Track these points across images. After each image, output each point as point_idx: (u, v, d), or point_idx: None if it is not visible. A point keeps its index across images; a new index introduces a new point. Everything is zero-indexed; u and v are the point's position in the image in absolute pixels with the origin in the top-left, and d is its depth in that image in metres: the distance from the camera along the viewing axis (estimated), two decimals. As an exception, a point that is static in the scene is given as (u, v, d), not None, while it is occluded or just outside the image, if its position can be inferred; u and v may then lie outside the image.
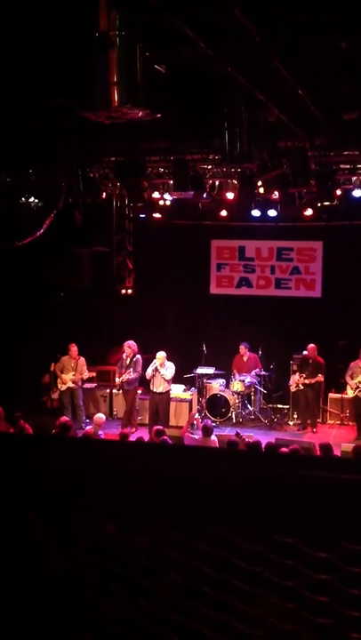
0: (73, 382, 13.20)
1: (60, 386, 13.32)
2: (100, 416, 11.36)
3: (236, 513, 1.46)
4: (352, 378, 12.95)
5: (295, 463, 1.54)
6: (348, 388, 13.08)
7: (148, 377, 12.75)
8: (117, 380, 13.23)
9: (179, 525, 1.50)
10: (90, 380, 14.08)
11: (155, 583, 1.52)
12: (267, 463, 1.58)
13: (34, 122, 9.94)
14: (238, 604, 1.44)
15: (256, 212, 14.04)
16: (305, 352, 13.58)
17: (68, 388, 13.21)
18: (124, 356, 13.14)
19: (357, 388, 12.90)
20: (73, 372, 13.23)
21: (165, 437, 9.72)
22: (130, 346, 13.06)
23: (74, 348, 13.31)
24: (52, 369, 14.01)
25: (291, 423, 14.06)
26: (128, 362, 13.04)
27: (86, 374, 13.30)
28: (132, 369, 12.97)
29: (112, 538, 1.58)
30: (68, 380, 13.19)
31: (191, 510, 1.49)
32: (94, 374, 13.60)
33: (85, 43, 5.28)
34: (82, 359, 13.33)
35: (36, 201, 12.78)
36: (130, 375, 12.94)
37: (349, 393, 13.14)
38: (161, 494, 1.50)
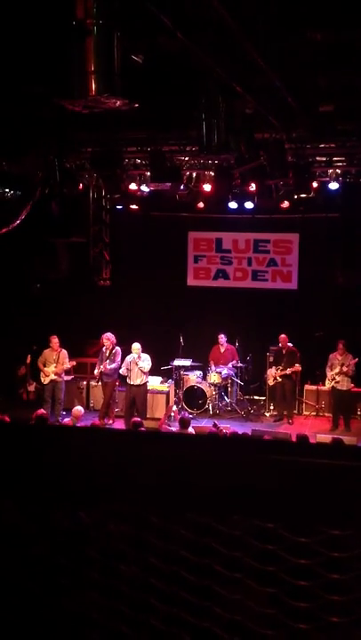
0: (55, 374, 13.09)
1: (43, 379, 13.17)
2: (79, 409, 11.36)
3: (215, 498, 1.46)
4: (331, 369, 13.06)
5: (272, 449, 1.54)
6: (326, 379, 13.18)
7: (122, 372, 12.72)
8: (96, 371, 13.18)
9: (157, 511, 1.50)
10: (67, 372, 14.00)
11: (133, 569, 1.53)
12: (245, 449, 1.58)
13: (9, 110, 9.82)
14: (218, 588, 1.45)
15: (233, 204, 14.06)
16: (280, 344, 13.69)
17: (52, 380, 13.08)
18: (103, 348, 13.08)
19: (334, 379, 13.02)
20: (55, 364, 13.13)
21: (142, 429, 9.74)
22: (108, 338, 13.01)
23: (55, 340, 13.18)
24: (28, 361, 13.93)
25: (267, 414, 14.16)
26: (108, 354, 13.00)
27: (67, 364, 13.21)
28: (110, 359, 12.94)
29: (87, 525, 1.58)
30: (50, 372, 13.08)
31: (169, 496, 1.49)
32: (74, 363, 13.49)
33: (62, 31, 5.23)
34: (64, 351, 13.19)
35: (12, 192, 12.66)
36: (109, 365, 12.90)
37: (327, 384, 13.24)
38: (138, 480, 1.50)
